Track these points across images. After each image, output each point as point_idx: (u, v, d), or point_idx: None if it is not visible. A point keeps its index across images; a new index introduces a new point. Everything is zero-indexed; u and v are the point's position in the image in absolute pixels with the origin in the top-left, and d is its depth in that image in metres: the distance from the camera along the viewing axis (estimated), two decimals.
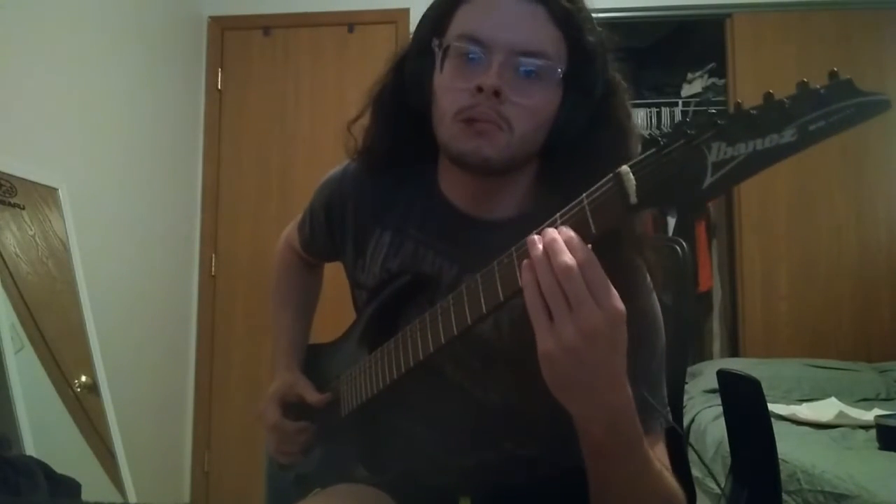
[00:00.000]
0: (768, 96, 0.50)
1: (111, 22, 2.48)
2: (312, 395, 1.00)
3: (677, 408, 1.06)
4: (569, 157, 0.80)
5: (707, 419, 2.20)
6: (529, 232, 0.63)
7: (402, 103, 0.87)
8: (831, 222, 2.93)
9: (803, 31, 3.00)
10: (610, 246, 0.62)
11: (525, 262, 0.61)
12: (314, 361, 1.09)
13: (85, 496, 1.56)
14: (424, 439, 0.90)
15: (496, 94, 0.75)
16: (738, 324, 2.98)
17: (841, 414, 2.13)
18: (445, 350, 0.74)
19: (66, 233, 2.06)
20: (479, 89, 0.75)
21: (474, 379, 0.87)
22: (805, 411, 2.18)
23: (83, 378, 1.96)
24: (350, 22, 3.17)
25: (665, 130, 3.22)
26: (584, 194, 0.60)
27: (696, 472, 2.06)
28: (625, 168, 0.57)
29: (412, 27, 0.88)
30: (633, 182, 0.56)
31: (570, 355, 0.59)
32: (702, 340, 3.17)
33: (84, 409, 1.92)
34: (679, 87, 3.41)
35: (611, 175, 0.58)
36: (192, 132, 3.14)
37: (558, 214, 0.62)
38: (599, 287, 0.58)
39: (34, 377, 1.76)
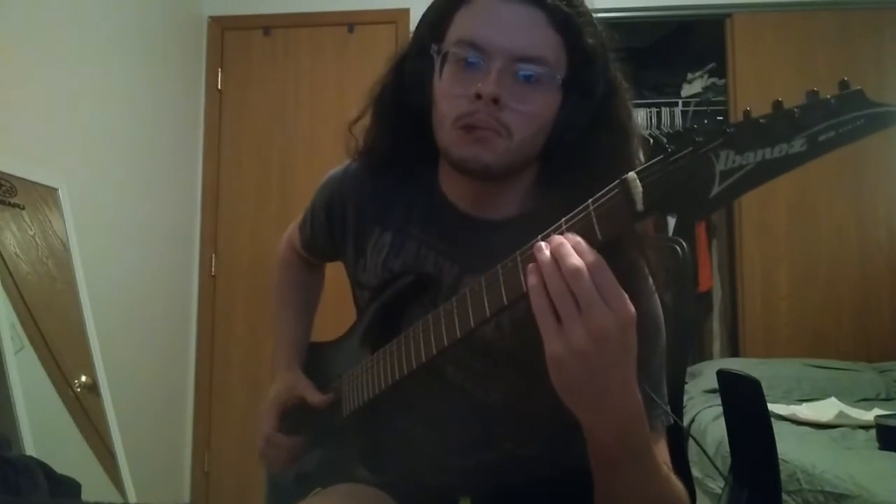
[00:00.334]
0: (777, 105, 0.50)
1: (111, 22, 2.48)
2: (314, 396, 0.99)
3: (677, 408, 1.06)
4: (570, 158, 0.80)
5: (707, 419, 2.20)
6: (531, 232, 0.63)
7: (403, 104, 0.86)
8: (831, 222, 2.93)
9: (803, 31, 3.00)
10: (611, 245, 0.62)
11: (530, 265, 0.61)
12: (316, 360, 1.09)
13: (85, 496, 1.56)
14: (425, 439, 0.90)
15: (495, 101, 0.75)
16: (738, 324, 2.98)
17: (841, 414, 2.13)
18: (447, 352, 0.74)
19: (66, 233, 2.06)
20: (478, 96, 0.75)
21: (475, 380, 0.87)
22: (805, 411, 2.18)
23: (83, 378, 1.96)
24: (350, 22, 3.17)
25: (665, 130, 3.23)
26: (590, 200, 0.60)
27: (696, 471, 2.06)
28: (632, 175, 0.56)
29: (412, 27, 0.88)
30: (640, 189, 0.55)
31: (579, 358, 0.58)
32: (702, 340, 3.16)
33: (84, 409, 1.92)
34: (679, 87, 3.41)
35: (617, 182, 0.57)
36: (192, 132, 3.14)
37: (563, 220, 0.62)
38: (609, 289, 0.58)
39: (34, 377, 1.75)
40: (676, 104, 3.30)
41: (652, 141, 3.19)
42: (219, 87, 3.20)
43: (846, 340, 2.88)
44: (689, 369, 2.57)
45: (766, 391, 1.29)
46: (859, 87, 0.48)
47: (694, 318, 2.99)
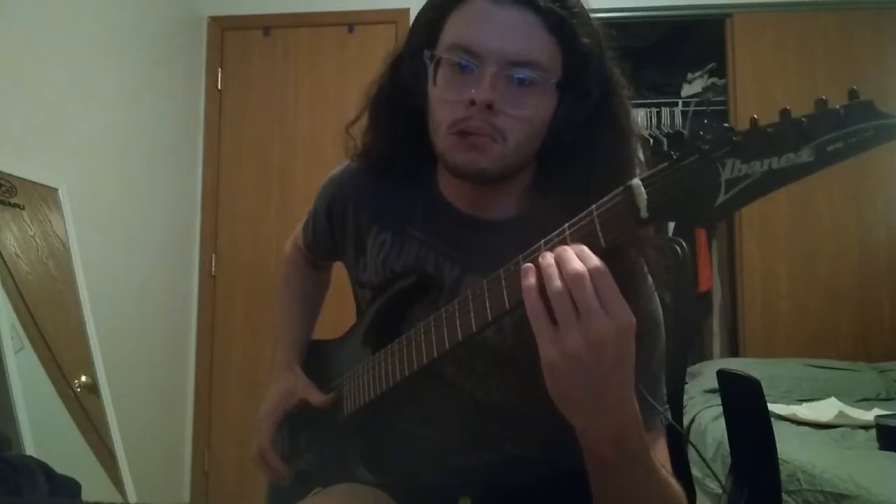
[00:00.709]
0: (785, 113, 0.49)
1: (111, 22, 2.48)
2: (317, 398, 0.99)
3: (677, 408, 1.05)
4: (568, 158, 0.80)
5: (707, 419, 2.20)
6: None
7: (399, 105, 0.86)
8: (831, 222, 2.93)
9: (803, 31, 3.00)
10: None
11: (525, 266, 0.61)
12: (317, 358, 1.09)
13: (85, 496, 1.56)
14: (425, 439, 0.90)
15: (489, 106, 0.74)
16: (738, 324, 2.97)
17: (841, 414, 2.13)
18: (449, 354, 0.74)
19: (66, 233, 2.06)
20: (472, 102, 0.74)
21: (476, 380, 0.87)
22: (805, 411, 2.18)
23: (83, 378, 1.96)
24: (350, 22, 3.17)
25: (665, 130, 3.23)
26: (594, 206, 0.59)
27: (696, 471, 2.05)
28: (636, 181, 0.56)
29: None
30: (645, 196, 0.55)
31: (574, 365, 0.57)
32: (702, 340, 3.16)
33: (84, 409, 1.92)
34: (679, 87, 3.41)
35: (621, 188, 0.57)
36: (192, 132, 3.14)
37: (567, 225, 0.61)
38: (610, 297, 0.57)
39: (34, 377, 1.75)
40: (676, 104, 3.30)
41: (652, 141, 3.19)
42: (219, 87, 3.20)
43: (846, 340, 2.88)
44: (689, 369, 2.57)
45: (766, 391, 1.29)
46: (870, 98, 0.47)
47: (694, 318, 2.99)
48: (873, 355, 2.79)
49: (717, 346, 3.12)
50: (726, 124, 0.51)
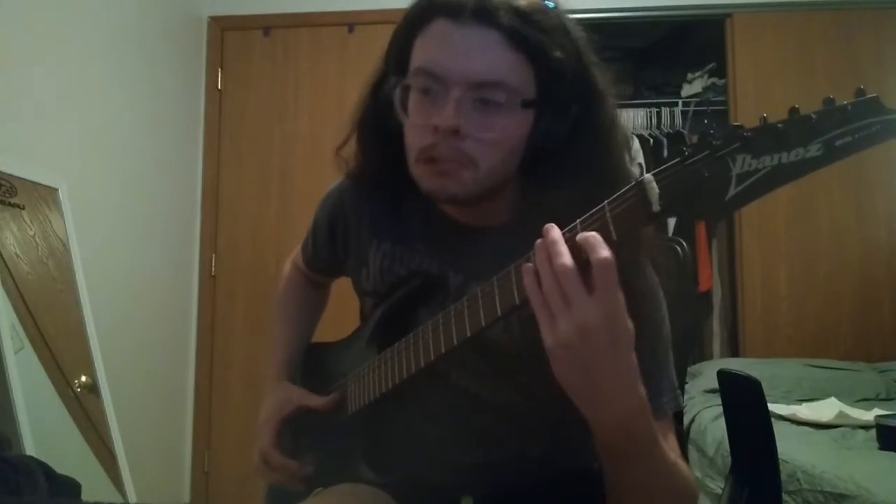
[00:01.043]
0: (794, 110, 0.51)
1: (111, 22, 2.48)
2: (317, 401, 0.99)
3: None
4: (553, 167, 0.79)
5: (707, 419, 2.20)
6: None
7: (382, 128, 0.85)
8: (831, 222, 2.93)
9: (803, 31, 3.00)
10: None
11: (525, 266, 0.62)
12: (318, 360, 1.09)
13: (85, 496, 1.56)
14: (429, 438, 0.90)
15: (455, 132, 0.73)
16: (738, 324, 2.98)
17: (841, 414, 2.13)
18: (456, 351, 0.74)
19: (66, 233, 2.06)
20: (437, 128, 0.73)
21: (482, 380, 0.87)
22: (805, 411, 2.18)
23: (83, 378, 1.96)
24: (350, 22, 3.17)
25: (665, 130, 3.23)
26: (606, 201, 0.60)
27: (696, 471, 2.06)
28: (648, 176, 0.57)
29: None
30: (657, 190, 0.56)
31: (566, 351, 0.60)
32: (702, 340, 3.16)
33: (84, 409, 1.92)
34: (679, 87, 3.41)
35: (633, 183, 0.59)
36: (192, 132, 3.14)
37: (579, 221, 0.62)
38: (597, 283, 0.59)
39: (34, 377, 1.75)
40: (676, 104, 3.30)
41: (652, 141, 3.19)
42: (219, 87, 3.20)
43: (846, 340, 2.88)
44: (689, 369, 2.57)
45: (766, 391, 1.29)
46: (875, 94, 0.49)
47: (694, 318, 2.99)
48: (873, 355, 2.79)
49: (717, 346, 3.13)
50: (736, 124, 0.53)
